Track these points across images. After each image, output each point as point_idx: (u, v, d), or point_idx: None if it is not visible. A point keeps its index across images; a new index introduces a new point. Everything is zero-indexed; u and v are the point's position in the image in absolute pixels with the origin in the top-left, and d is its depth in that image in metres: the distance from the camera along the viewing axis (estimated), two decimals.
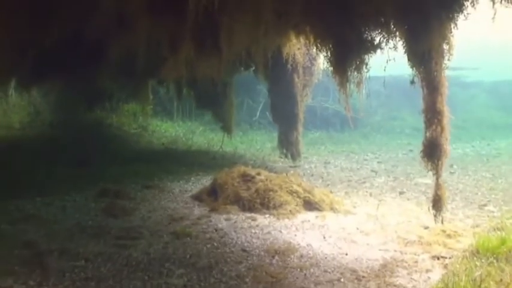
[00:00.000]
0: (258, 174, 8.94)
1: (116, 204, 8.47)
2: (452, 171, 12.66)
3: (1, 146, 12.27)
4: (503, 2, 5.22)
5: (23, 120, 15.40)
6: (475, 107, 26.76)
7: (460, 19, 5.86)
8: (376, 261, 6.08)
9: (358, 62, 6.88)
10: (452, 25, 5.89)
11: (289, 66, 11.43)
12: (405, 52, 6.27)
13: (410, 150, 16.56)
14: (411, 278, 5.56)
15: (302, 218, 7.95)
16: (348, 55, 6.90)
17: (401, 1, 5.90)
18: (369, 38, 6.75)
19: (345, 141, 19.23)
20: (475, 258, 5.83)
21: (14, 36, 8.14)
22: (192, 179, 11.12)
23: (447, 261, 6.02)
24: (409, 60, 6.24)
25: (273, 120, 13.92)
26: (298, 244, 6.69)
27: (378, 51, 6.86)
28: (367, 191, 10.44)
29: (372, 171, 13.15)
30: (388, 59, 6.63)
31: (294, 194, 8.54)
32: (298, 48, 10.61)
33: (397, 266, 5.92)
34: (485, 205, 9.25)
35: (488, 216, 8.40)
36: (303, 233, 7.26)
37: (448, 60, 6.08)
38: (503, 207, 8.99)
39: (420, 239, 6.89)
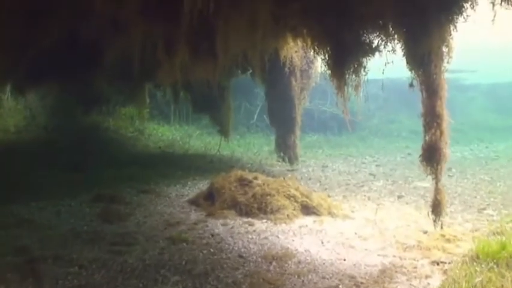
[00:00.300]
0: (255, 178, 8.86)
1: (112, 209, 8.37)
2: (450, 174, 12.58)
3: None
4: (503, 3, 5.14)
5: (19, 123, 15.32)
6: (473, 109, 26.77)
7: (460, 21, 5.78)
8: (374, 267, 5.99)
9: (356, 65, 6.81)
10: (452, 27, 5.83)
11: (286, 69, 11.38)
12: (404, 55, 6.22)
13: (409, 154, 16.54)
14: (410, 284, 5.48)
15: (300, 223, 7.86)
16: (345, 58, 6.83)
17: (400, 3, 5.83)
18: (367, 40, 6.69)
19: (343, 145, 19.19)
20: (475, 263, 5.75)
21: (9, 39, 8.08)
22: (189, 183, 11.02)
23: (447, 266, 5.94)
24: (408, 63, 6.17)
25: (271, 123, 13.89)
26: (296, 249, 6.60)
27: (376, 54, 6.80)
28: (365, 195, 10.36)
29: (370, 174, 13.08)
30: (387, 62, 6.57)
31: (292, 199, 8.46)
32: (296, 51, 10.56)
33: (396, 271, 5.83)
34: (484, 209, 9.18)
35: (487, 220, 8.33)
36: (300, 238, 7.17)
37: (448, 63, 6.02)
38: (502, 211, 8.92)
39: (419, 244, 6.81)
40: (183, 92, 14.36)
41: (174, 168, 12.51)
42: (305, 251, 6.58)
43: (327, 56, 7.18)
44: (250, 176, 8.93)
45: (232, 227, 7.60)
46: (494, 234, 7.16)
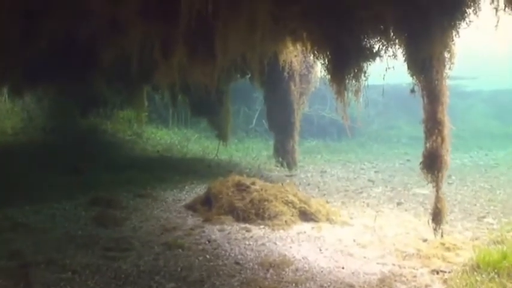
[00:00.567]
0: (253, 183, 8.76)
1: (107, 213, 8.29)
2: (450, 181, 12.47)
3: None
4: (506, 9, 5.06)
5: (16, 125, 15.28)
6: (473, 116, 26.68)
7: (462, 27, 5.70)
8: (373, 276, 5.88)
9: (356, 70, 6.72)
10: (454, 33, 5.74)
11: (285, 73, 11.29)
12: (405, 60, 6.13)
13: (408, 160, 16.47)
14: None
15: (298, 229, 7.76)
16: (346, 63, 6.74)
17: (402, 8, 5.75)
18: (368, 45, 6.60)
19: (342, 150, 19.11)
20: (475, 273, 5.64)
21: (5, 40, 8.01)
22: (186, 187, 10.94)
23: (447, 275, 5.83)
24: (409, 68, 6.08)
25: (269, 128, 13.82)
26: (294, 257, 6.49)
27: (376, 59, 6.72)
28: (364, 202, 10.26)
29: (369, 180, 12.98)
30: (387, 67, 6.48)
31: (290, 204, 8.36)
32: (295, 56, 10.45)
33: (396, 280, 5.72)
34: (484, 217, 9.08)
35: (487, 228, 8.23)
36: (298, 245, 7.06)
37: (449, 69, 5.94)
38: (502, 219, 8.81)
39: (419, 252, 6.70)
40: (181, 95, 14.29)
41: (171, 172, 12.42)
42: (303, 258, 6.47)
43: (326, 60, 7.08)
44: (248, 181, 8.84)
45: (229, 233, 7.50)
46: (494, 243, 7.06)
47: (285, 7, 6.36)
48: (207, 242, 7.02)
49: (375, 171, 14.72)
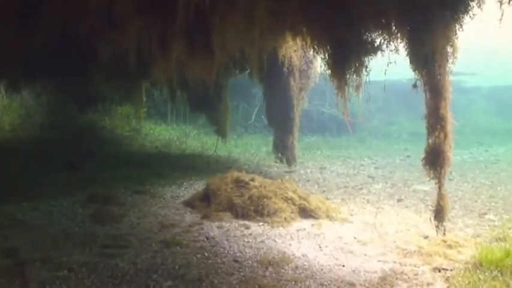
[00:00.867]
0: (252, 180, 8.68)
1: (105, 209, 8.19)
2: (451, 178, 12.36)
3: None
4: (511, 2, 4.95)
5: (14, 121, 15.25)
6: (473, 112, 26.65)
7: (466, 20, 5.60)
8: (374, 274, 5.79)
9: (357, 65, 6.61)
10: (457, 26, 5.64)
11: (285, 69, 11.23)
12: (407, 55, 6.01)
13: (408, 156, 16.43)
14: None
15: (297, 226, 7.68)
16: (346, 57, 6.64)
17: (404, 1, 5.64)
18: (369, 39, 6.50)
19: (342, 146, 19.04)
20: (478, 271, 5.56)
21: (3, 36, 7.95)
22: (185, 183, 10.85)
23: (449, 273, 5.74)
24: (411, 63, 5.97)
25: (269, 124, 13.74)
26: (293, 254, 6.40)
27: (378, 54, 6.62)
28: (364, 198, 10.18)
29: (369, 177, 12.89)
30: (389, 62, 6.37)
31: (289, 201, 8.28)
32: (295, 51, 10.35)
33: (397, 278, 5.64)
34: (485, 213, 9.00)
35: (489, 225, 8.16)
36: (298, 242, 6.98)
37: (452, 63, 5.84)
38: (503, 216, 8.74)
39: (420, 250, 6.62)
40: (179, 91, 14.21)
41: (170, 168, 12.35)
42: (302, 256, 6.38)
43: (327, 55, 6.97)
44: (247, 178, 8.76)
45: (227, 230, 7.41)
46: (496, 240, 6.98)
47: (283, 2, 6.26)
48: (205, 239, 6.93)
49: (375, 167, 14.65)
